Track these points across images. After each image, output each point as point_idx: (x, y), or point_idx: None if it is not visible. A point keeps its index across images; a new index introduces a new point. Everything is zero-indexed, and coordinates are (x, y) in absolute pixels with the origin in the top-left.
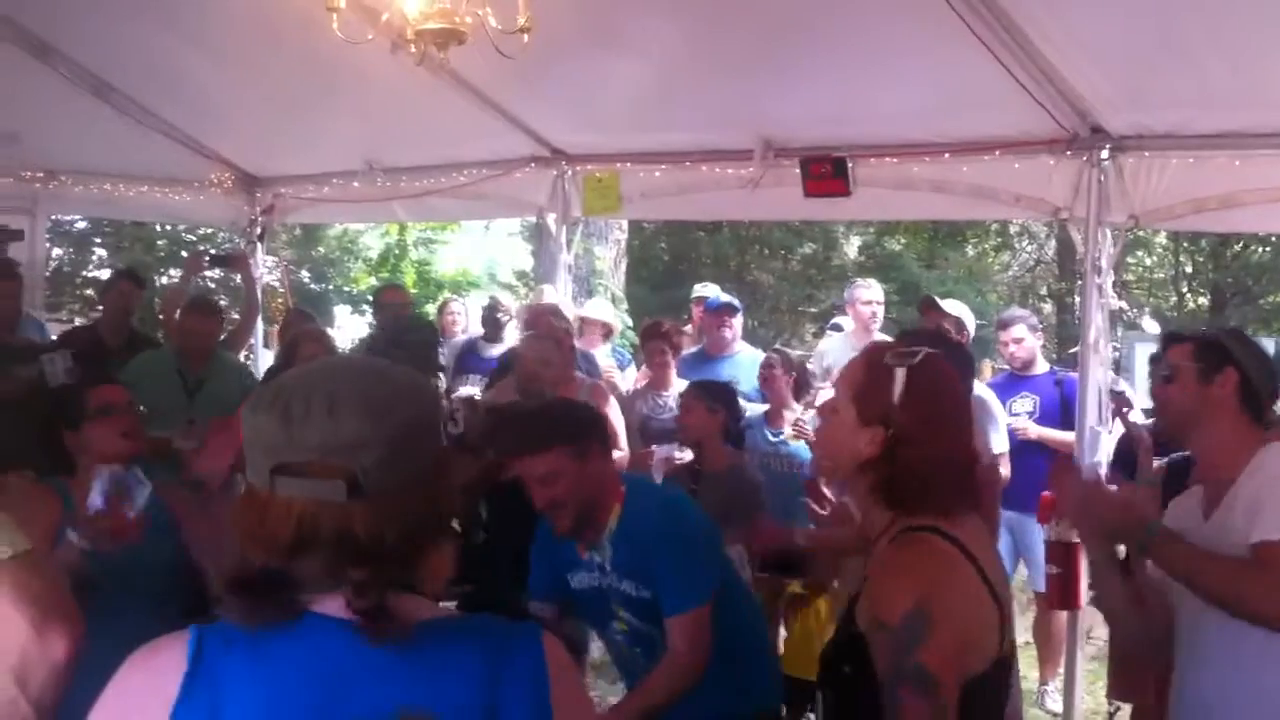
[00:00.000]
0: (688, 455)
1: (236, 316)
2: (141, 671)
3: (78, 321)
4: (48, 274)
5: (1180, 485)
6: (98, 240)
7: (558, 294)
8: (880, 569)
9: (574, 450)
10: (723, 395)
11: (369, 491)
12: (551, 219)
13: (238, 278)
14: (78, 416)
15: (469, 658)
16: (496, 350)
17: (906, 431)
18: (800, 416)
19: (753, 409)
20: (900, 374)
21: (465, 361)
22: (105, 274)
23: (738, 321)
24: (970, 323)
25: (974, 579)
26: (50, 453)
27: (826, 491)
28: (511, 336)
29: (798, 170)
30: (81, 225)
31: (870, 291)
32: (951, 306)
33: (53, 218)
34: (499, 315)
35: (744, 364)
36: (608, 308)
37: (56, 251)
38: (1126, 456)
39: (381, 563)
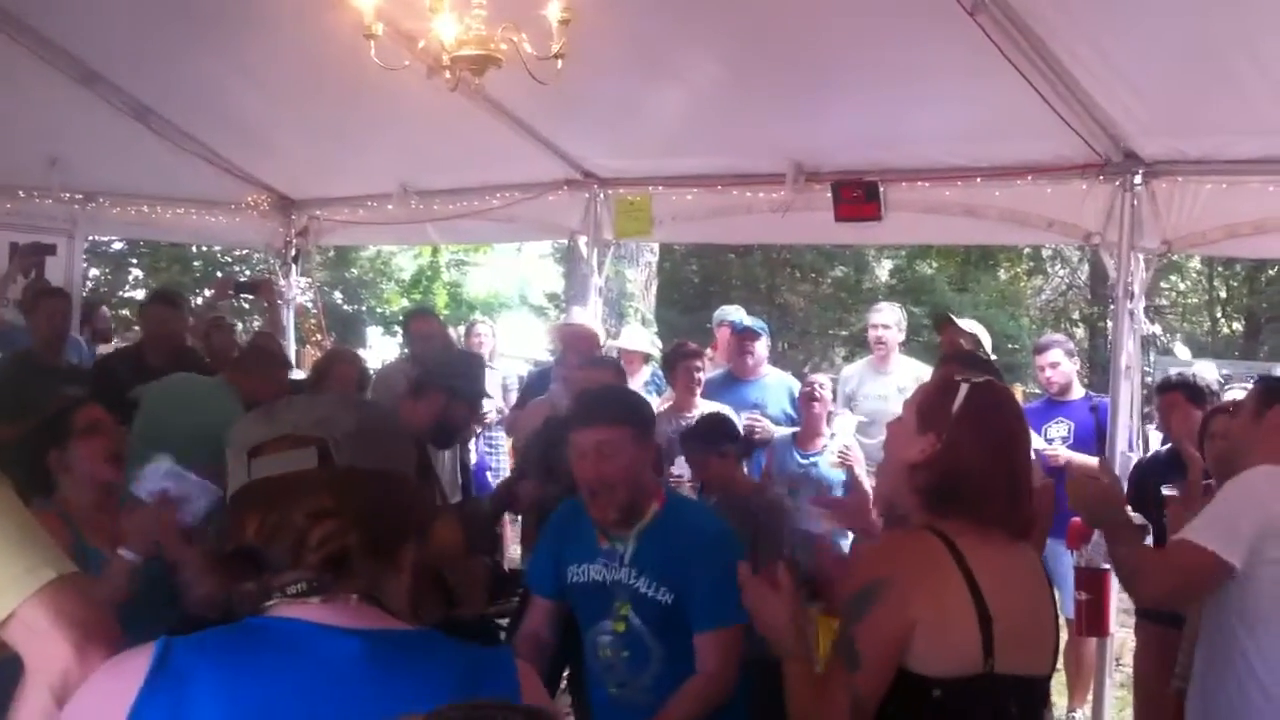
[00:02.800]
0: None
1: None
2: (107, 676)
3: (115, 341)
4: (84, 294)
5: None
6: (134, 261)
7: (588, 316)
8: (860, 551)
9: (638, 434)
10: (722, 431)
11: (339, 461)
12: (583, 241)
13: (265, 304)
14: (64, 434)
15: (443, 670)
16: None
17: (957, 442)
18: (845, 444)
19: (780, 431)
20: (964, 389)
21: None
22: (141, 294)
23: (761, 345)
24: (986, 341)
25: (954, 580)
26: (32, 471)
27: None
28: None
29: (829, 194)
30: (118, 246)
31: (882, 315)
32: (967, 325)
33: (90, 238)
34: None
35: (771, 387)
36: (644, 336)
37: (94, 272)
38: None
39: (341, 526)
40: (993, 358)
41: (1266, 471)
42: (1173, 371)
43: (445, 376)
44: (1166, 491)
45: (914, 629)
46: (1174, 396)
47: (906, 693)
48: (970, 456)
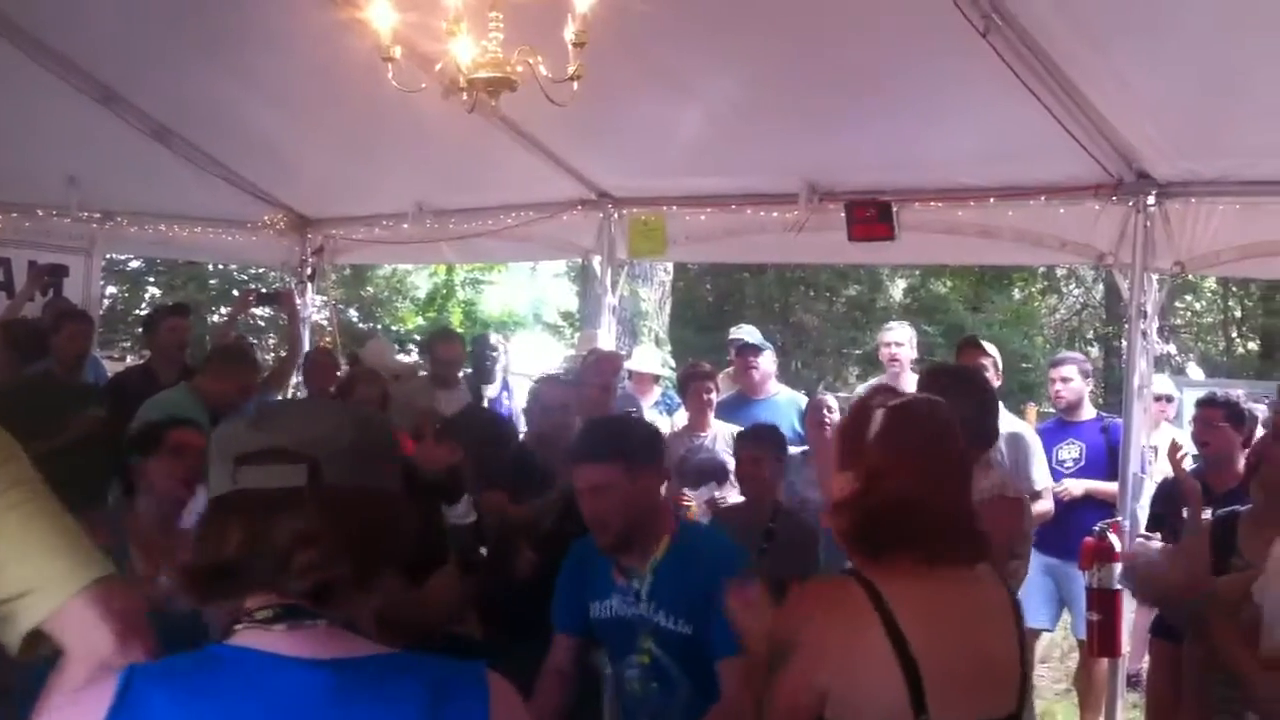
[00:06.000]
0: (732, 496)
1: (283, 354)
2: (71, 705)
3: (130, 359)
4: (102, 312)
5: (1228, 538)
6: (151, 279)
7: (603, 336)
8: (789, 597)
9: (626, 466)
10: (772, 439)
11: (328, 480)
12: (597, 261)
13: (284, 316)
14: (153, 448)
15: (409, 694)
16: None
17: (876, 475)
18: None
19: (790, 450)
20: (878, 415)
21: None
22: None
23: (765, 361)
24: (999, 362)
25: (870, 637)
26: (121, 476)
27: None
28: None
29: (843, 214)
30: (135, 264)
31: (893, 333)
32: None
33: (108, 257)
34: (489, 355)
35: (782, 406)
36: (654, 357)
37: (111, 290)
38: (1166, 503)
39: (325, 555)
40: (998, 382)
41: None
42: (1219, 392)
43: (472, 436)
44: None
45: (825, 696)
46: (1213, 414)
47: None
48: (892, 489)
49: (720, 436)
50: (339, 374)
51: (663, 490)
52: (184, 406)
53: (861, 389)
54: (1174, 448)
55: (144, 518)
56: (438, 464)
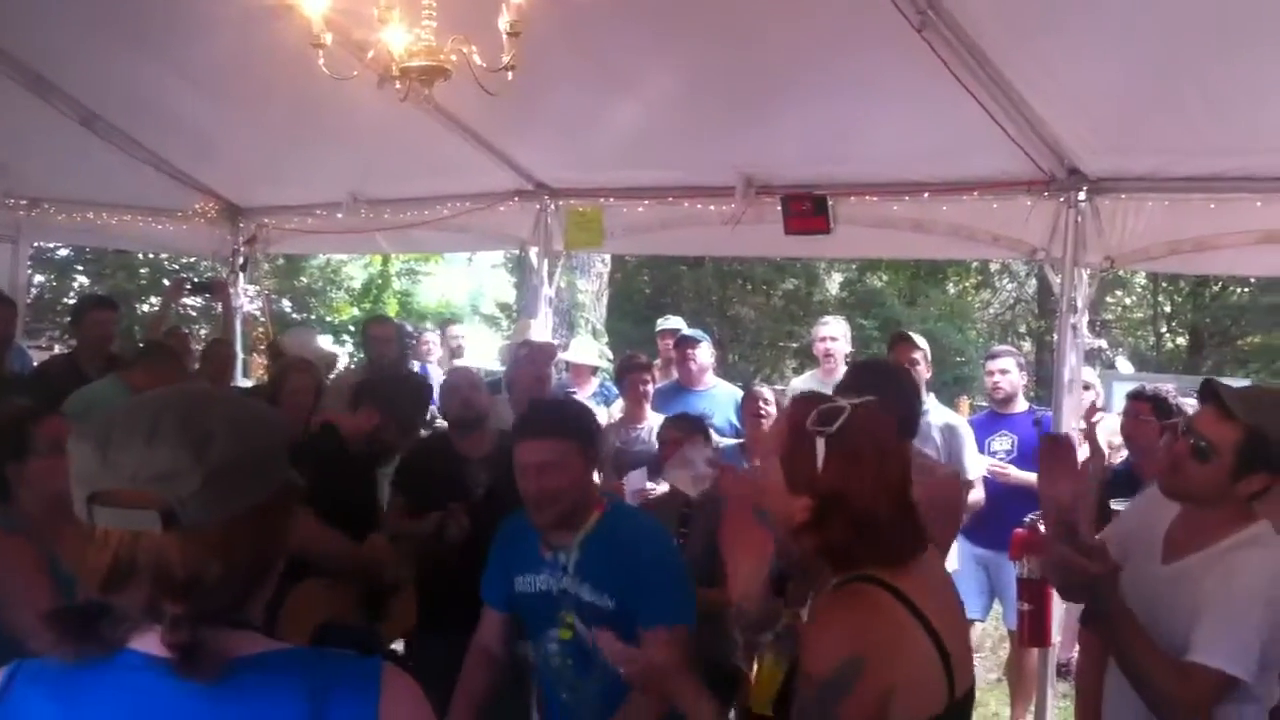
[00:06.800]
0: (662, 487)
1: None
2: None
3: (57, 349)
4: (29, 301)
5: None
6: (79, 268)
7: (536, 326)
8: (815, 620)
9: (578, 446)
10: (701, 427)
11: (185, 524)
12: (534, 252)
13: (218, 306)
14: (22, 449)
15: (288, 694)
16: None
17: (833, 498)
18: None
19: (726, 442)
20: (820, 443)
21: None
22: None
23: (702, 353)
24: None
25: (916, 631)
26: None
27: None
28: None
29: (779, 207)
30: (64, 252)
31: (828, 328)
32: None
33: (35, 245)
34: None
35: (719, 398)
36: (592, 348)
37: (38, 278)
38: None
39: (200, 598)
40: (928, 375)
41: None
42: (1147, 386)
43: (384, 395)
44: (1116, 506)
45: (893, 695)
46: (1141, 407)
47: None
48: (853, 510)
49: (657, 427)
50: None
51: (597, 476)
52: (113, 399)
53: (796, 381)
54: (1090, 410)
55: (35, 516)
56: (360, 431)
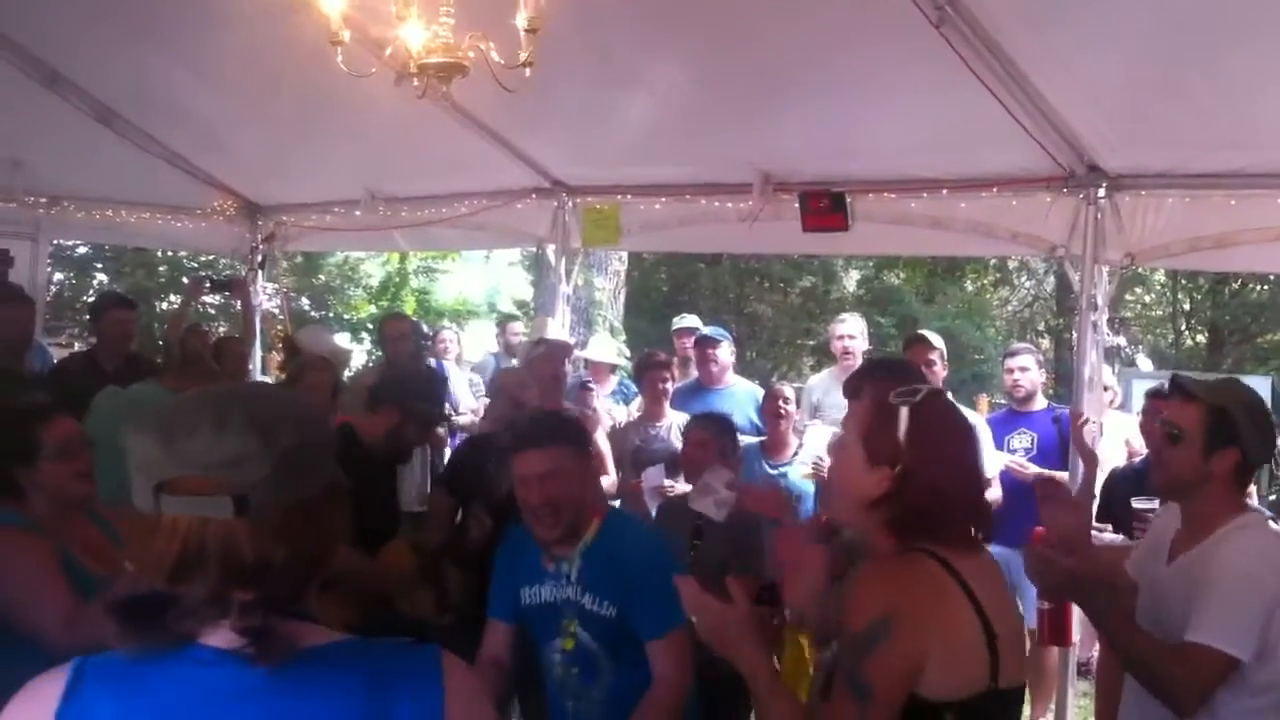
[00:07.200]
0: (680, 486)
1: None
2: (22, 703)
3: (77, 346)
4: (48, 298)
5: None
6: (99, 265)
7: (553, 324)
8: (859, 579)
9: (577, 453)
10: (729, 428)
11: (256, 509)
12: (551, 250)
13: (237, 303)
14: (32, 453)
15: (353, 684)
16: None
17: (914, 469)
18: (818, 456)
19: (747, 440)
20: (904, 413)
21: None
22: None
23: (723, 352)
24: (945, 353)
25: (960, 601)
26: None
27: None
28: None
29: (797, 204)
30: (83, 250)
31: (845, 325)
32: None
33: (55, 242)
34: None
35: (738, 396)
36: (610, 346)
37: (58, 276)
38: (1114, 492)
39: (268, 584)
40: (944, 373)
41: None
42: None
43: (402, 394)
44: (1136, 504)
45: (927, 659)
46: (1161, 405)
47: (917, 718)
48: (930, 480)
49: (676, 426)
50: (281, 361)
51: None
52: (157, 400)
53: (814, 379)
54: (1075, 414)
55: (46, 516)
56: (377, 432)
